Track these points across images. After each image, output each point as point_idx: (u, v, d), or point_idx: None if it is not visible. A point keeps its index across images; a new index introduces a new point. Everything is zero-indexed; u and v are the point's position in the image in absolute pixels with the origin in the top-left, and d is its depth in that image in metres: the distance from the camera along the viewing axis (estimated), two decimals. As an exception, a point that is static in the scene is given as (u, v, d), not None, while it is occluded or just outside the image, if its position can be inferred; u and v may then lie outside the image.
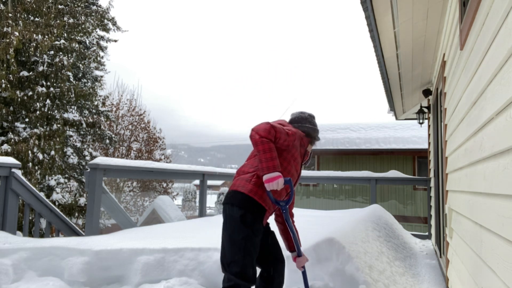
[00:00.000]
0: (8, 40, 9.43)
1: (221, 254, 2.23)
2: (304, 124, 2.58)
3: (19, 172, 3.83)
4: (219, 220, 3.73)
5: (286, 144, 2.32)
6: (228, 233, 2.20)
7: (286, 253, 2.61)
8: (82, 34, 12.44)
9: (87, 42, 13.22)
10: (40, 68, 10.65)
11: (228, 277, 2.16)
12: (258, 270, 2.41)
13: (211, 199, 27.30)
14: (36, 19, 10.86)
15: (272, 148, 2.17)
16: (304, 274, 2.51)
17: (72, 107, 11.64)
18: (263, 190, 2.24)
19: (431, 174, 5.58)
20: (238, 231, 2.18)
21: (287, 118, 2.70)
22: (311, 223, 4.56)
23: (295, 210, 6.49)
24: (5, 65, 9.63)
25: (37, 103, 10.41)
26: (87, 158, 11.90)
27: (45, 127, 10.50)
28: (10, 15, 10.09)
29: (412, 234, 5.92)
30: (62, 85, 10.70)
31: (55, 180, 10.43)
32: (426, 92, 5.68)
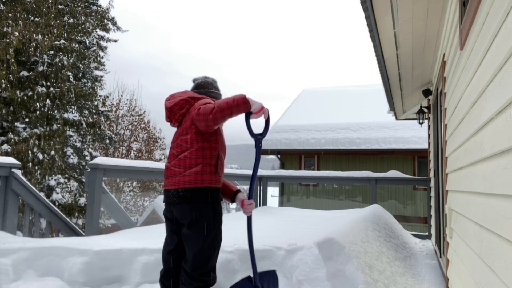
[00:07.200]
0: (8, 40, 9.43)
1: (194, 256, 2.14)
2: (211, 90, 2.49)
3: (19, 172, 3.83)
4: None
5: None
6: (200, 232, 2.14)
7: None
8: (82, 34, 12.44)
9: (87, 42, 13.22)
10: (40, 68, 10.66)
11: (201, 276, 2.14)
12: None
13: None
14: (36, 19, 10.85)
15: (222, 100, 2.14)
16: (249, 219, 2.43)
17: (72, 107, 11.65)
18: (216, 174, 2.22)
19: (431, 174, 5.58)
20: (212, 226, 2.18)
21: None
22: (311, 223, 4.56)
23: (295, 210, 6.50)
24: (5, 65, 9.63)
25: (37, 103, 10.42)
26: (87, 158, 11.90)
27: (45, 127, 10.50)
28: (10, 15, 10.09)
29: (412, 234, 5.91)
30: (62, 85, 10.71)
31: (55, 180, 10.43)
32: (426, 92, 5.68)
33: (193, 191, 2.15)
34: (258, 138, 2.37)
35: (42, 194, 4.66)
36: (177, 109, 2.32)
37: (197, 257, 2.15)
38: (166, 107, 2.38)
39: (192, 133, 2.22)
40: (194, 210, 2.15)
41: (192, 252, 2.16)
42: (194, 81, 2.57)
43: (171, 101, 2.36)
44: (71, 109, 11.61)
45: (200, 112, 2.12)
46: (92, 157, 11.78)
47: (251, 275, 2.45)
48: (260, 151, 2.39)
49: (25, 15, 10.82)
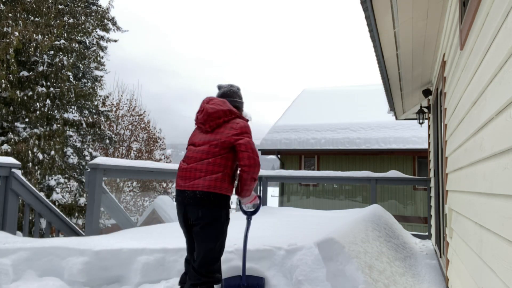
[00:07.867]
0: (8, 40, 9.43)
1: (204, 255, 2.33)
2: (235, 99, 2.64)
3: (19, 172, 3.83)
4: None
5: None
6: (213, 234, 2.35)
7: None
8: (82, 34, 12.43)
9: (87, 42, 13.22)
10: (40, 68, 10.65)
11: (208, 273, 2.33)
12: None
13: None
14: (36, 19, 10.85)
15: (256, 173, 2.43)
16: (248, 222, 2.86)
17: (72, 107, 11.65)
18: (232, 183, 2.47)
19: (431, 174, 5.58)
20: (223, 230, 2.41)
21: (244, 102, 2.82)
22: (311, 223, 4.56)
23: (295, 210, 6.51)
24: (5, 65, 9.62)
25: (37, 103, 10.41)
26: (87, 158, 11.90)
27: (45, 127, 10.50)
28: (10, 15, 10.08)
29: (412, 234, 5.91)
30: (62, 85, 10.71)
31: (55, 180, 10.43)
32: (426, 92, 5.68)
33: (210, 195, 2.28)
34: (248, 214, 2.83)
35: (42, 194, 4.66)
36: (215, 117, 2.43)
37: (206, 256, 2.32)
38: (206, 111, 2.46)
39: (223, 147, 2.37)
40: (210, 213, 2.30)
41: (203, 250, 2.31)
42: (219, 88, 2.70)
43: (212, 106, 2.46)
44: (71, 109, 11.61)
45: (251, 158, 2.33)
46: (92, 157, 11.78)
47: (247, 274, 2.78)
48: (250, 223, 2.85)
49: (25, 15, 10.81)
